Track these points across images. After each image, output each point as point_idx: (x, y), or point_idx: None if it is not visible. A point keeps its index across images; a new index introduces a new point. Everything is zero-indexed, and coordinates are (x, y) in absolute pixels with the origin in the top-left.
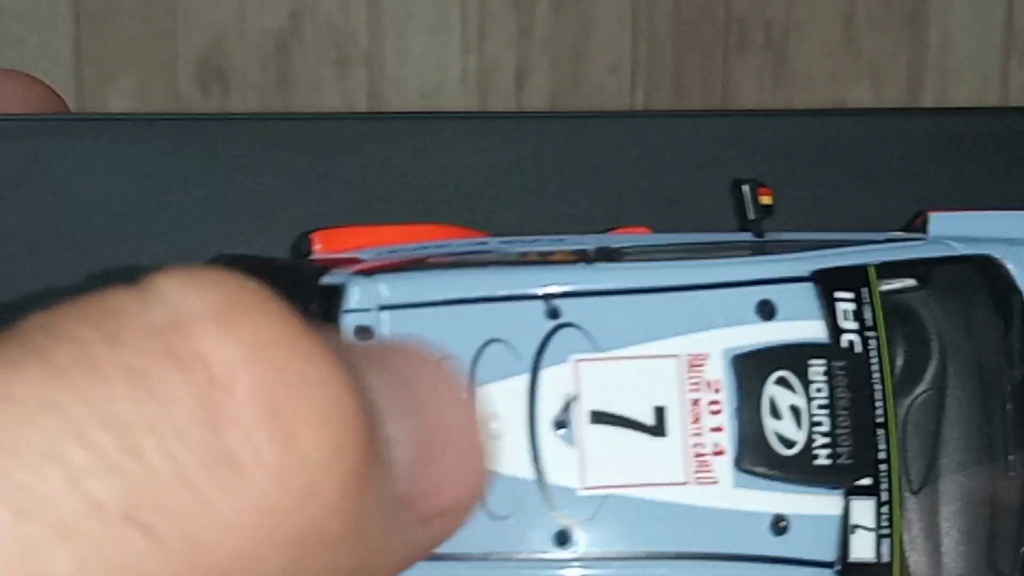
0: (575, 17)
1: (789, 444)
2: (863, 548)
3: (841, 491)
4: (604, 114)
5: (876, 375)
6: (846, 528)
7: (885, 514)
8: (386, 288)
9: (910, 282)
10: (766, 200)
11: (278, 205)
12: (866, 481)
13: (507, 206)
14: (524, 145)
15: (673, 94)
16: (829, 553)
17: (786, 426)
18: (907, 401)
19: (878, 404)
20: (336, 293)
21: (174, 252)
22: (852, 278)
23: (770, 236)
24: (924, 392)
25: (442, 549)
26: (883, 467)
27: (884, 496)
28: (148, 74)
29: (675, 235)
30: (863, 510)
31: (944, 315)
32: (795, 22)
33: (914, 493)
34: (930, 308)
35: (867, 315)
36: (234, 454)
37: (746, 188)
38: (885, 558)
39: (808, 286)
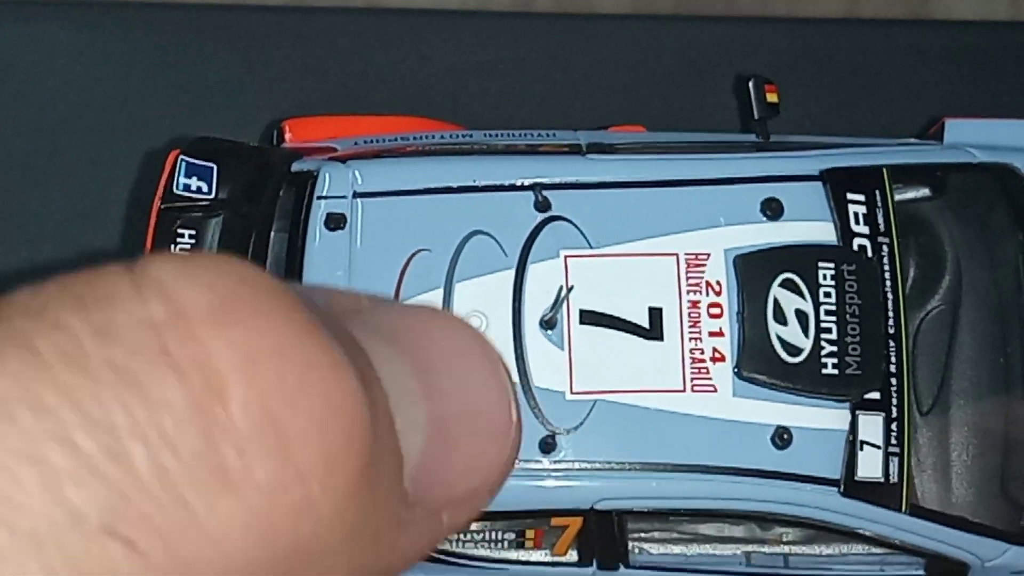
0: (575, 10)
1: (794, 351)
2: (870, 466)
3: (848, 404)
4: (601, 16)
5: (888, 283)
6: (853, 444)
7: (895, 432)
8: (361, 175)
9: (924, 191)
10: (772, 97)
11: (250, 98)
12: (874, 395)
13: (494, 105)
14: (516, 44)
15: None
16: (834, 470)
17: (792, 332)
18: (918, 316)
19: (889, 314)
20: (308, 179)
21: (139, 144)
22: (865, 180)
23: (776, 139)
24: (936, 308)
25: None
26: (893, 382)
27: (894, 412)
28: None
29: (673, 133)
30: (871, 426)
31: (959, 227)
32: (797, 15)
33: (923, 414)
34: (945, 219)
35: (880, 220)
36: (226, 467)
37: (752, 84)
38: (893, 478)
39: (817, 186)
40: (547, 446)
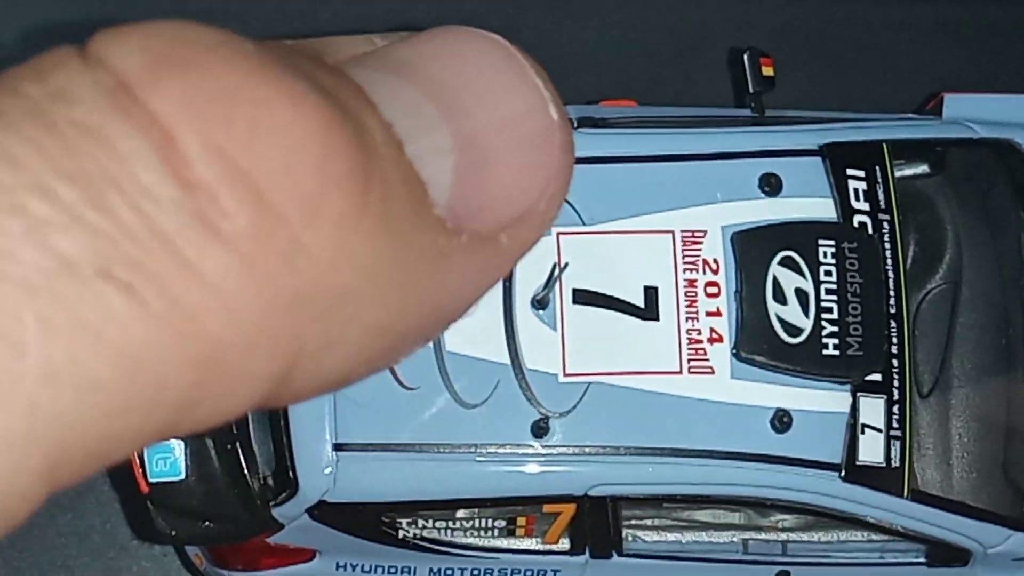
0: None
1: (794, 331)
2: (872, 450)
3: (849, 386)
4: None
5: (889, 262)
6: (854, 428)
7: (896, 415)
8: None
9: (924, 168)
10: (768, 71)
11: None
12: (875, 377)
13: None
14: (506, 16)
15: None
16: (835, 454)
17: (792, 311)
18: (919, 295)
19: (890, 293)
20: None
21: None
22: (865, 154)
23: (771, 114)
24: (937, 286)
25: (412, 439)
26: (894, 363)
27: (896, 395)
28: None
29: (665, 108)
30: (872, 409)
31: (960, 204)
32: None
33: (923, 397)
34: (945, 196)
35: (880, 196)
36: (207, 215)
37: (747, 56)
38: (895, 463)
39: (817, 161)
40: (539, 430)
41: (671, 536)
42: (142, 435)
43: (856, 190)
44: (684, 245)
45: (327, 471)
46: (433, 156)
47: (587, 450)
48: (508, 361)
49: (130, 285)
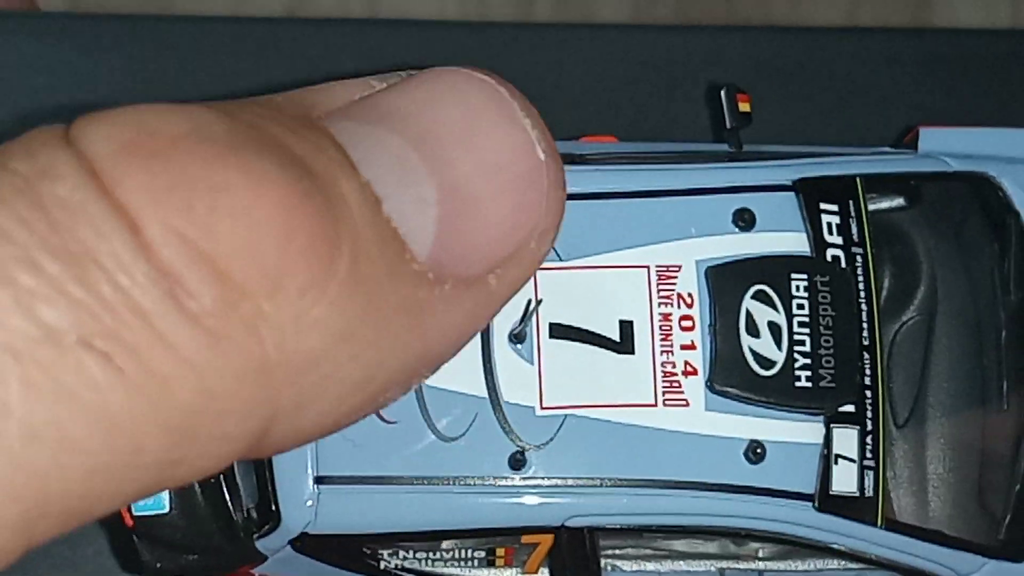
0: (575, 13)
1: (767, 364)
2: (845, 480)
3: (822, 418)
4: (568, 25)
5: (863, 294)
6: (828, 458)
7: (870, 445)
8: None
9: (898, 201)
10: (745, 107)
11: None
12: (849, 408)
13: None
14: (487, 53)
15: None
16: (808, 484)
17: (764, 344)
18: (893, 327)
19: (864, 325)
20: None
21: None
22: (838, 189)
23: (748, 148)
24: (911, 319)
25: (392, 472)
26: (868, 394)
27: (869, 426)
28: None
29: (644, 144)
30: (845, 439)
31: (934, 237)
32: (799, 17)
33: (898, 427)
34: (919, 229)
35: (854, 230)
36: (174, 293)
37: (724, 93)
38: (869, 492)
39: (790, 196)
40: (516, 462)
41: (649, 566)
42: (122, 494)
43: (829, 224)
44: (659, 280)
45: (308, 503)
46: (416, 209)
47: (564, 482)
48: (486, 395)
49: (108, 355)
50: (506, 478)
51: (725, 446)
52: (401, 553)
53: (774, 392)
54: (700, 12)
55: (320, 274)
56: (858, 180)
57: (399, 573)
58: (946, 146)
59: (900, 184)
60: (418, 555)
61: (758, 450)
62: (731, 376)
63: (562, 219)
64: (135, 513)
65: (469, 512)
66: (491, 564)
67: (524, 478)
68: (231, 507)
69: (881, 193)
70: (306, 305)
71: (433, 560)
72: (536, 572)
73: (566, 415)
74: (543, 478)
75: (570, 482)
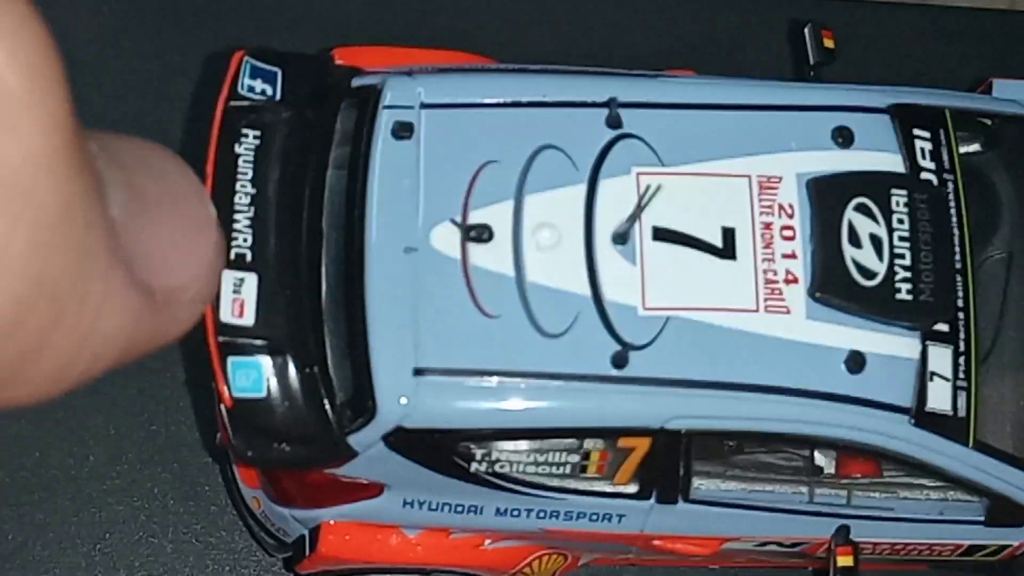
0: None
1: (869, 275)
2: (940, 398)
3: (919, 333)
4: None
5: (954, 219)
6: (923, 375)
7: (962, 366)
8: (427, 87)
9: (977, 146)
10: (829, 43)
11: (294, 16)
12: (943, 328)
13: (546, 43)
14: None
15: None
16: (906, 398)
17: (866, 255)
18: (979, 258)
19: (957, 249)
20: (370, 93)
21: (201, 46)
22: (930, 117)
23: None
24: (993, 255)
25: (492, 366)
26: (960, 316)
27: (962, 347)
28: None
29: (728, 78)
30: (940, 358)
31: (1013, 180)
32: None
33: (986, 354)
34: (999, 172)
35: (945, 157)
36: None
37: (808, 29)
38: (961, 412)
39: (885, 118)
40: (619, 360)
41: (738, 485)
42: None
43: (923, 149)
44: (760, 189)
45: (405, 397)
46: (115, 197)
47: (665, 381)
48: (589, 293)
49: None
50: (608, 377)
51: (825, 355)
52: (494, 454)
53: (875, 303)
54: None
55: (67, 139)
56: (947, 112)
57: (488, 477)
58: (1020, 95)
59: (982, 125)
60: (511, 458)
61: (858, 360)
62: (833, 284)
63: (215, 288)
64: (235, 395)
65: (570, 409)
66: (583, 471)
67: (626, 377)
68: (325, 399)
69: (964, 132)
70: (51, 147)
71: (525, 464)
72: (626, 484)
73: (668, 316)
74: (645, 378)
75: (672, 383)
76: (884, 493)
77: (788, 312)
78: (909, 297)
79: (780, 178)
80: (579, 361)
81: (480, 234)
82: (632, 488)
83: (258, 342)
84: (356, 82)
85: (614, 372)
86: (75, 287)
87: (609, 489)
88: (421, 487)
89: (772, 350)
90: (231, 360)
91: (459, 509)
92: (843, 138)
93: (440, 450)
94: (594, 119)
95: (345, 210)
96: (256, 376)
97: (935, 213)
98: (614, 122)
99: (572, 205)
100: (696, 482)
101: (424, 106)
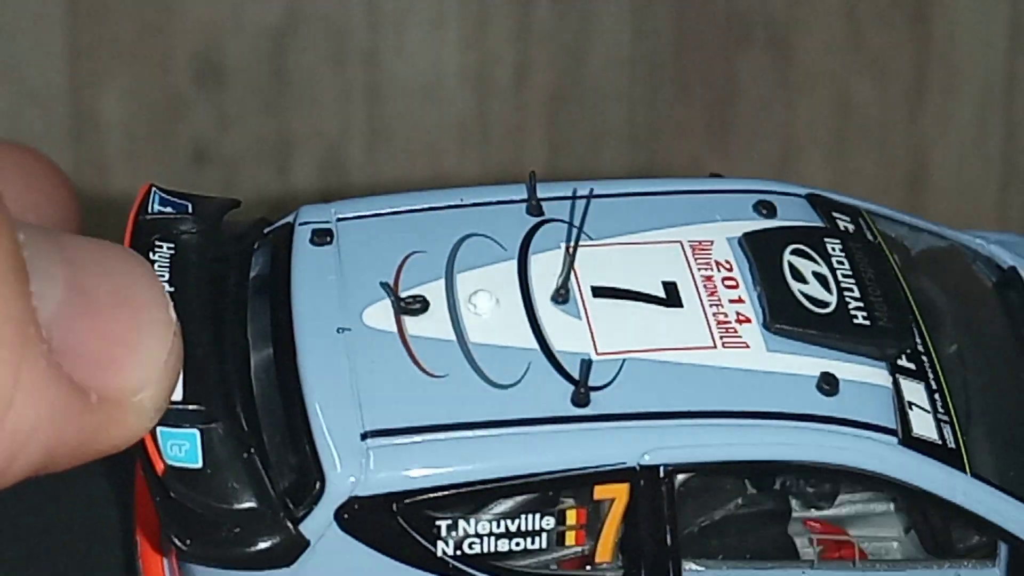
0: (575, 13)
1: (821, 304)
2: (925, 426)
3: (886, 365)
4: None
5: (895, 268)
6: (902, 402)
7: (939, 401)
8: (339, 207)
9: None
10: None
11: None
12: (909, 365)
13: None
14: None
15: (675, 89)
16: (890, 420)
17: (814, 289)
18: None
19: (903, 292)
20: (285, 226)
21: None
22: (847, 209)
23: None
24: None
25: (444, 420)
26: (922, 353)
27: (933, 384)
28: (143, 71)
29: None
30: (915, 392)
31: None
32: (797, 18)
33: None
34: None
35: (868, 235)
36: None
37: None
38: (951, 444)
39: (804, 201)
40: (580, 399)
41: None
42: None
43: (846, 228)
44: (694, 251)
45: (356, 461)
46: (45, 280)
47: (633, 416)
48: (536, 346)
49: None
50: (571, 416)
51: (796, 380)
52: (460, 528)
53: (834, 327)
54: (697, 15)
55: None
56: (862, 211)
57: (458, 565)
58: None
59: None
60: (479, 531)
61: (831, 381)
62: (787, 314)
63: (171, 393)
64: (168, 462)
65: (535, 453)
66: (560, 542)
67: (590, 415)
68: (268, 482)
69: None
70: None
71: (496, 538)
72: (611, 556)
73: (624, 359)
74: (611, 414)
75: (640, 416)
76: (891, 568)
77: (747, 347)
78: (867, 323)
79: (712, 241)
80: (538, 405)
81: (414, 305)
82: (617, 568)
83: (190, 408)
84: (269, 229)
85: (577, 412)
86: None
87: (594, 572)
88: None
89: (739, 379)
90: (160, 430)
91: None
92: (767, 210)
93: (400, 527)
94: (515, 211)
95: (271, 309)
96: (190, 447)
97: (874, 259)
98: (535, 211)
99: (505, 275)
100: (688, 565)
101: (340, 220)
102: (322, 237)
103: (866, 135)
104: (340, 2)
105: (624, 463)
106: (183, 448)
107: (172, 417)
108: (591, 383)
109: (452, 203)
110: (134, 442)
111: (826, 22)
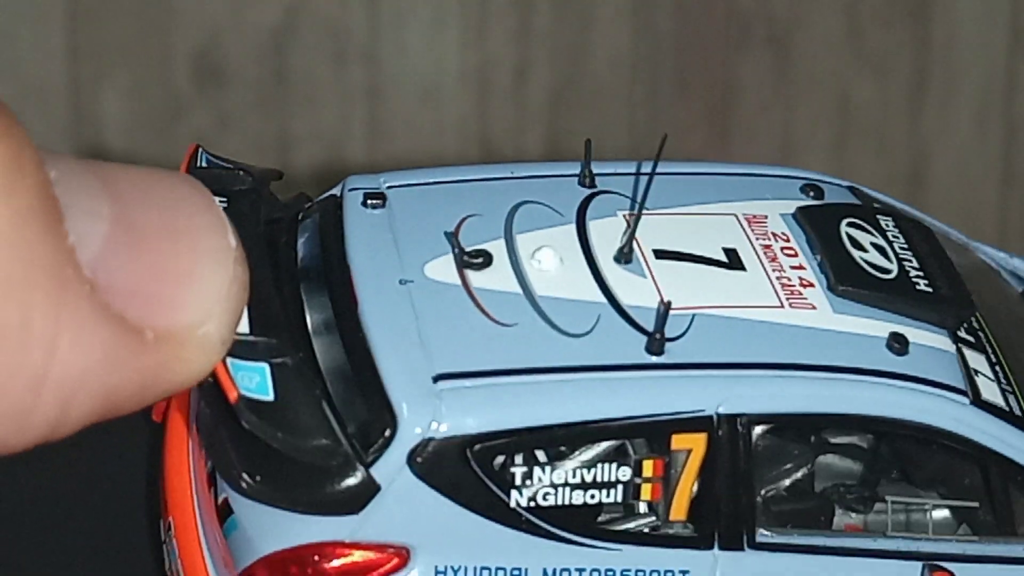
0: (575, 13)
1: (883, 270)
2: (992, 392)
3: (948, 333)
4: None
5: (944, 249)
6: (968, 368)
7: (1002, 373)
8: (388, 177)
9: None
10: None
11: None
12: (968, 337)
13: None
14: None
15: (675, 88)
16: (959, 381)
17: (874, 257)
18: None
19: (954, 271)
20: (333, 200)
21: None
22: (884, 206)
23: None
24: None
25: (518, 364)
26: (978, 328)
27: (993, 357)
28: (143, 71)
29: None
30: (978, 361)
31: None
32: (797, 17)
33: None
34: None
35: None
36: None
37: None
38: (1017, 412)
39: (847, 192)
40: (655, 348)
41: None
42: None
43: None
44: (749, 223)
45: (429, 403)
46: (91, 217)
47: (709, 366)
48: (605, 300)
49: None
50: (647, 363)
51: (866, 340)
52: (535, 476)
53: (898, 291)
54: (697, 14)
55: (15, 160)
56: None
57: (530, 518)
58: None
59: None
60: (554, 480)
61: (901, 341)
62: (852, 278)
63: (237, 322)
64: (242, 392)
65: (611, 398)
66: (637, 494)
67: (666, 363)
68: (336, 425)
69: None
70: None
71: (571, 489)
72: (686, 516)
73: (694, 314)
74: (687, 363)
75: (716, 366)
76: (962, 540)
77: (814, 308)
78: (929, 289)
79: (765, 216)
80: (612, 353)
81: (477, 259)
82: (692, 528)
83: (260, 341)
84: (312, 202)
85: (652, 359)
86: (5, 321)
87: (668, 531)
88: (454, 543)
89: (810, 336)
90: (230, 361)
91: (500, 573)
92: (814, 192)
93: (474, 474)
94: (568, 183)
95: (326, 267)
96: (260, 380)
97: (925, 237)
98: (589, 183)
99: (565, 236)
100: (762, 531)
101: (390, 187)
102: (375, 199)
103: (866, 135)
104: (340, 2)
105: (702, 411)
106: (253, 380)
107: (240, 349)
108: (664, 332)
109: (503, 175)
110: (203, 378)
111: (826, 22)
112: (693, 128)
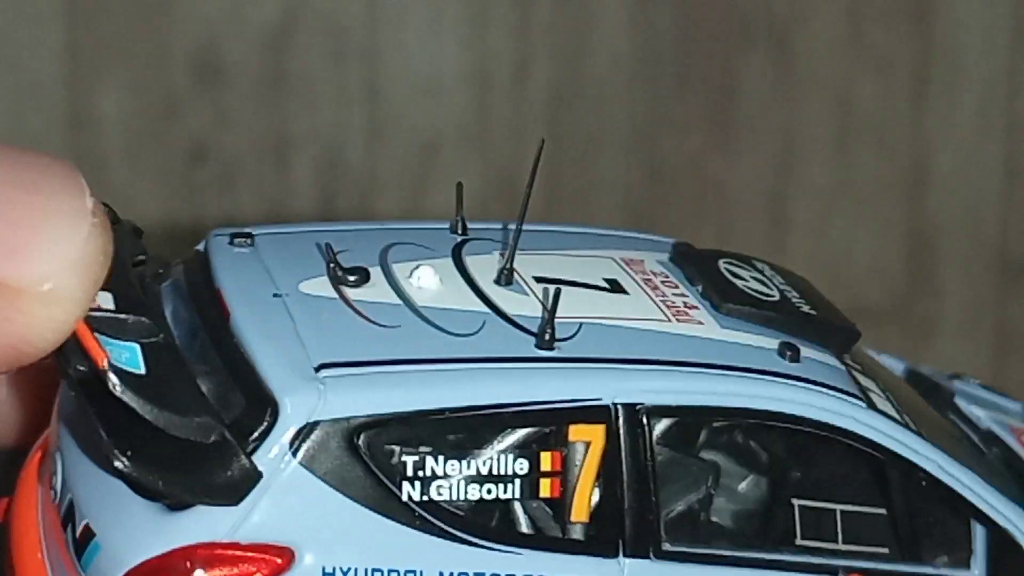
0: (575, 11)
1: (766, 295)
2: (884, 406)
3: (835, 357)
4: None
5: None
6: (859, 384)
7: (892, 398)
8: (254, 228)
9: None
10: None
11: None
12: (857, 364)
13: None
14: None
15: (675, 87)
16: (854, 389)
17: (755, 286)
18: None
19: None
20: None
21: None
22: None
23: None
24: None
25: (404, 356)
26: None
27: (882, 385)
28: (141, 69)
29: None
30: (869, 383)
31: None
32: (798, 16)
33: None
34: None
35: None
36: None
37: None
38: (912, 427)
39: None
40: (544, 343)
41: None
42: None
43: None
44: (627, 263)
45: (311, 387)
46: None
47: (603, 360)
48: (488, 310)
49: None
50: (539, 357)
51: (757, 349)
52: (428, 467)
53: (783, 311)
54: (698, 13)
55: None
56: None
57: (423, 514)
58: None
59: None
60: (448, 472)
61: (792, 350)
62: (736, 298)
63: (99, 281)
64: (112, 362)
65: (503, 384)
66: (535, 491)
67: (559, 357)
68: (214, 407)
69: None
70: None
71: (467, 482)
72: (588, 516)
73: (581, 322)
74: (579, 357)
75: (611, 360)
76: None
77: (701, 324)
78: (813, 312)
79: (643, 259)
80: (502, 348)
81: (354, 277)
82: (595, 532)
83: (130, 319)
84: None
85: (543, 354)
86: None
87: (571, 536)
88: (344, 542)
89: (701, 343)
90: (99, 336)
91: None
92: (685, 247)
93: (363, 463)
94: (439, 232)
95: (191, 295)
96: (130, 356)
97: (802, 280)
98: (461, 231)
99: (442, 264)
100: (668, 537)
101: (257, 234)
102: (242, 239)
103: (867, 133)
104: (339, 0)
105: (599, 399)
106: (123, 355)
107: (108, 326)
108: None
109: (374, 227)
110: (54, 340)
111: (827, 20)
112: (694, 127)
